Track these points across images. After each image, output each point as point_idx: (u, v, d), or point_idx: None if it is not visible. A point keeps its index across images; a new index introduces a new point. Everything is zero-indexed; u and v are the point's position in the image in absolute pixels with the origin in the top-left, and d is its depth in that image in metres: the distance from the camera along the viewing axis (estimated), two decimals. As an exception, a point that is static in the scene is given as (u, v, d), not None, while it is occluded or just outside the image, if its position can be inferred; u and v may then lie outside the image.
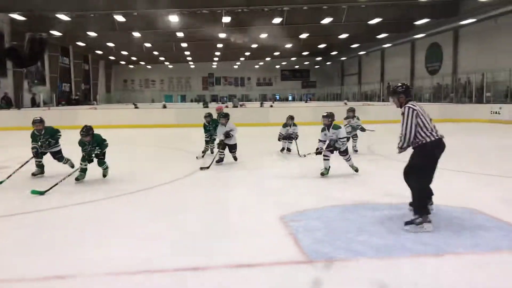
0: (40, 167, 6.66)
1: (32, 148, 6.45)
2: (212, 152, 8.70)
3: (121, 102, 41.33)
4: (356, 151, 8.75)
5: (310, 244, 3.52)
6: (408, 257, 3.26)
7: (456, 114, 18.26)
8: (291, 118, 8.86)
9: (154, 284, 2.90)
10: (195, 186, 6.07)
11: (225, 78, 53.06)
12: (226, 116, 7.74)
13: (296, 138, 8.69)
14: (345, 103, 26.96)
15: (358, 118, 8.86)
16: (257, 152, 9.15)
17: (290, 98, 51.25)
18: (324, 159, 6.30)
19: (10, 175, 6.07)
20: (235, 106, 23.52)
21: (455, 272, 3.02)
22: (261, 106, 25.83)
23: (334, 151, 6.26)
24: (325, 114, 6.26)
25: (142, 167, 7.71)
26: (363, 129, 8.91)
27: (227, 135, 7.52)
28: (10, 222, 4.37)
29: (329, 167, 6.32)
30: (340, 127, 6.27)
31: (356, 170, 6.43)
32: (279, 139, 8.94)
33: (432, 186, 4.06)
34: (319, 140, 6.38)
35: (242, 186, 5.99)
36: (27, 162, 6.44)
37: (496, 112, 17.64)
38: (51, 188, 5.43)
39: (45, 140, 6.52)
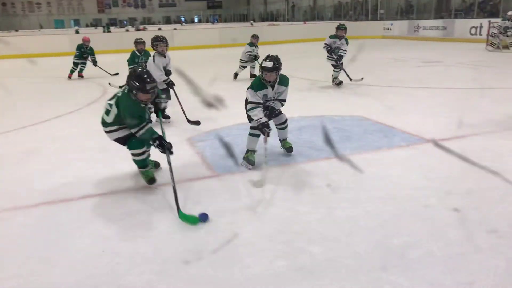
0: None
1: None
2: None
3: (1, 29, 36.01)
4: (338, 84, 7.08)
5: (216, 160, 3.73)
6: (304, 163, 3.64)
7: (354, 31, 19.11)
8: (256, 37, 8.17)
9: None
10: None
11: (123, -1, 48.53)
12: (166, 41, 5.14)
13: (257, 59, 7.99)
14: (251, 24, 26.71)
15: (347, 42, 6.90)
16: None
17: (196, 20, 49.05)
18: (252, 135, 3.58)
19: None
20: (137, 30, 22.02)
21: (343, 170, 3.48)
22: (158, 29, 24.06)
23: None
24: (269, 65, 3.35)
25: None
26: (339, 59, 6.79)
27: (168, 72, 5.11)
28: None
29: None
30: (288, 83, 3.60)
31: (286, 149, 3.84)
32: (241, 60, 8.19)
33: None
34: (251, 102, 3.44)
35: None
36: None
37: (388, 29, 18.94)
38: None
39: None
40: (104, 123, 3.16)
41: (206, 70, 9.76)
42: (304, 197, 2.97)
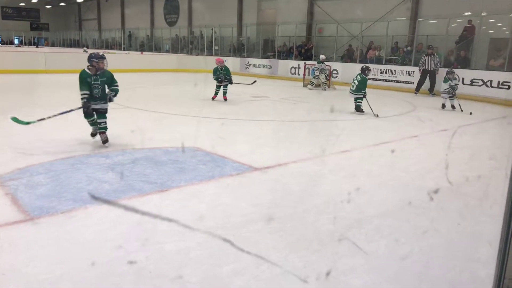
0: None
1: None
2: None
3: None
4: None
5: (33, 201, 3.27)
6: (135, 197, 3.48)
7: (190, 64, 19.79)
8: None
9: None
10: None
11: None
12: None
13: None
14: (85, 51, 25.03)
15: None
16: None
17: (16, 41, 43.45)
18: None
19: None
20: None
21: (176, 201, 3.45)
22: None
23: None
24: None
25: None
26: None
27: None
28: None
29: None
30: None
31: None
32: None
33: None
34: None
35: None
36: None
37: (222, 64, 20.13)
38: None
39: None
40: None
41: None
42: (133, 233, 2.82)
